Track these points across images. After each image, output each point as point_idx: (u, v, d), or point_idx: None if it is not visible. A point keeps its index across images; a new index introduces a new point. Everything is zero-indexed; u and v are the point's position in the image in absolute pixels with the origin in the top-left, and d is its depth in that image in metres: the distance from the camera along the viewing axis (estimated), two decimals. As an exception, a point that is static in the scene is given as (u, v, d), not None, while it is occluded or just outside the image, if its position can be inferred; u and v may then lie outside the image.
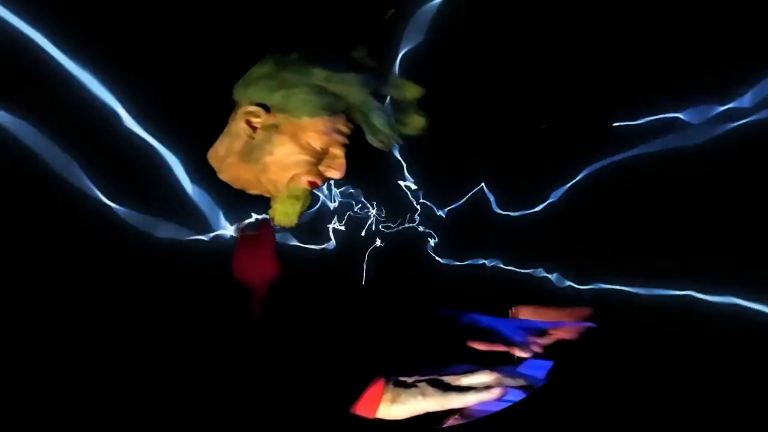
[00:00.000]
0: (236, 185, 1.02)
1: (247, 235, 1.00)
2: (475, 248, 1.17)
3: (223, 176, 1.01)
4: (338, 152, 0.99)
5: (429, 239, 1.32)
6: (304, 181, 0.97)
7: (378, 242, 1.56)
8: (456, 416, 0.77)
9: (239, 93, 0.98)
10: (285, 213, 0.98)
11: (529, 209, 1.12)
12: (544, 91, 1.14)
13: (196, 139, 1.00)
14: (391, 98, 0.97)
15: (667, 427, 0.95)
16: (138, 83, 0.93)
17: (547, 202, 1.27)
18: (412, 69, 1.16)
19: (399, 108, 0.98)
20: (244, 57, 0.99)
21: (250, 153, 0.97)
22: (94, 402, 0.72)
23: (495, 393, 0.76)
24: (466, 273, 1.21)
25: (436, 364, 0.82)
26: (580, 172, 1.14)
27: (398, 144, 0.98)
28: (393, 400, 0.75)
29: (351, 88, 0.94)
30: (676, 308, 1.03)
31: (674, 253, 1.07)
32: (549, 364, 0.97)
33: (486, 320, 0.99)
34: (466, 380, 0.78)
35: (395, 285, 1.11)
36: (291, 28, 1.12)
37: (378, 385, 0.76)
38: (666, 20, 1.09)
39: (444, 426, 0.76)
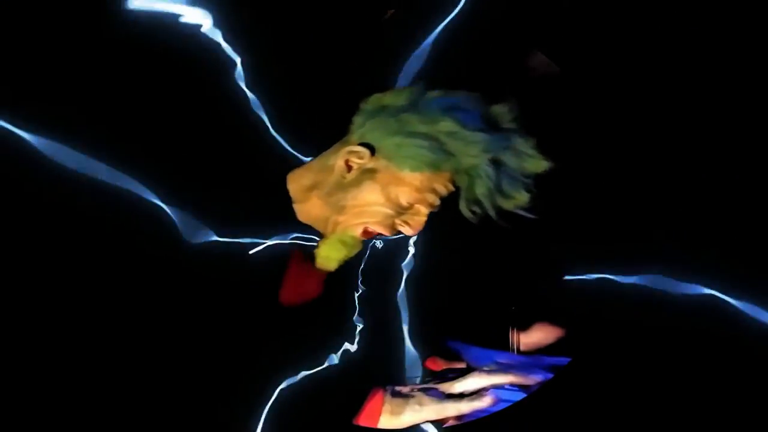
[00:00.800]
0: (303, 218, 0.96)
1: (300, 260, 0.94)
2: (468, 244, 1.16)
3: (299, 207, 0.95)
4: (423, 210, 0.91)
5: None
6: (359, 230, 0.91)
7: (377, 243, 1.56)
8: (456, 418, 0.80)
9: (358, 123, 0.92)
10: (327, 257, 0.91)
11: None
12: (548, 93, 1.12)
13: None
14: (504, 166, 0.88)
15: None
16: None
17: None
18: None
19: (510, 178, 0.87)
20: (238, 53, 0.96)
21: (334, 193, 0.91)
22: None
23: (487, 401, 0.79)
24: (464, 271, 1.20)
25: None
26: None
27: (491, 217, 0.89)
28: (392, 412, 0.78)
29: (471, 149, 0.85)
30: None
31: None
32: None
33: (468, 351, 0.97)
34: (459, 386, 0.81)
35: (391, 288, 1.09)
36: (289, 29, 1.09)
37: (377, 397, 0.79)
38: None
39: (444, 426, 0.79)
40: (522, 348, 1.05)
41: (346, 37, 1.10)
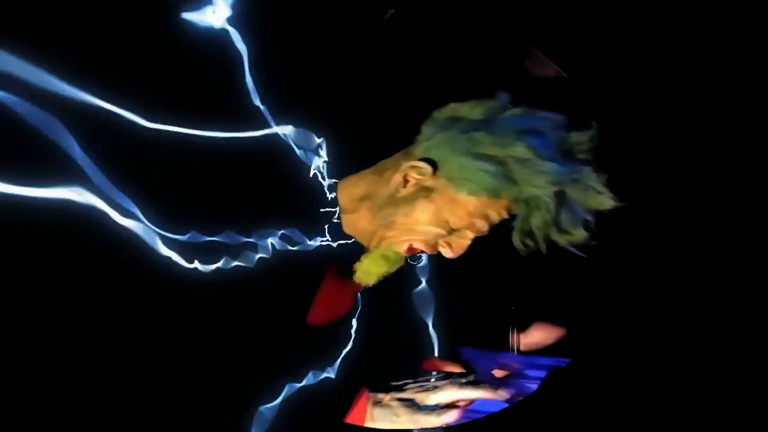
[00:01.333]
0: (348, 229, 0.95)
1: (334, 276, 0.93)
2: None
3: (347, 217, 0.94)
4: (469, 234, 0.88)
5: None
6: (404, 246, 0.89)
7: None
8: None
9: (426, 134, 0.88)
10: (367, 271, 0.90)
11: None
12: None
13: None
14: (567, 199, 0.84)
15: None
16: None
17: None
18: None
19: (571, 213, 0.84)
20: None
21: (385, 207, 0.89)
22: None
23: (453, 416, 0.80)
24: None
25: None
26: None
27: (541, 251, 0.86)
28: (372, 420, 0.81)
29: (538, 179, 0.81)
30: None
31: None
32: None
33: (467, 352, 0.96)
34: (433, 398, 0.82)
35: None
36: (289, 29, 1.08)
37: (362, 401, 0.82)
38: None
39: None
40: (522, 348, 1.06)
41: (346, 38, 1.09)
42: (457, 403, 0.82)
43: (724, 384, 0.95)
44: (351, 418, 0.82)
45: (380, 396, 0.83)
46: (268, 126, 0.99)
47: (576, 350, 0.99)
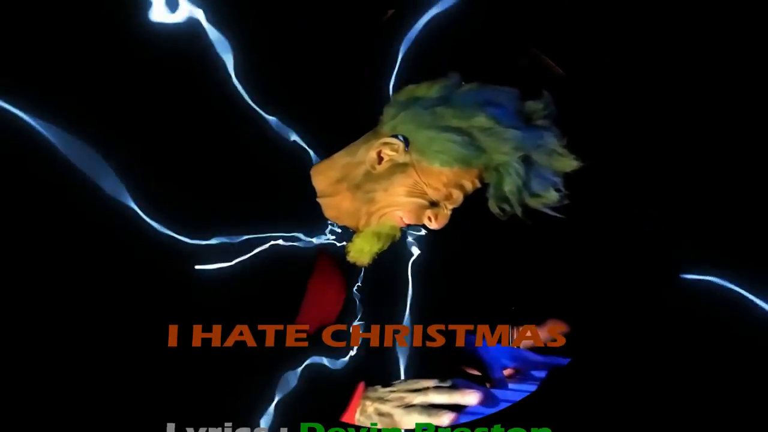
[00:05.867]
0: (330, 213, 0.96)
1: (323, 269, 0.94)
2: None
3: (327, 201, 0.95)
4: (448, 205, 0.93)
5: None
6: (398, 217, 0.91)
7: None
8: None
9: (390, 114, 0.92)
10: (361, 250, 0.92)
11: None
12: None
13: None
14: (534, 164, 0.88)
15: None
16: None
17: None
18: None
19: (539, 177, 0.88)
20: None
21: (363, 184, 0.92)
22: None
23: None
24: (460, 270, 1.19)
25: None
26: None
27: (518, 215, 0.89)
28: (362, 417, 0.81)
29: (504, 146, 0.85)
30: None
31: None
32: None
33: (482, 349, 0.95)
34: (406, 421, 0.79)
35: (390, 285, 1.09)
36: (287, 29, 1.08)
37: (355, 403, 0.82)
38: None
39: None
40: (522, 347, 1.06)
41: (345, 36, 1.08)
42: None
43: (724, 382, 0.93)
44: (346, 417, 0.82)
45: (367, 404, 0.82)
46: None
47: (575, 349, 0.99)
